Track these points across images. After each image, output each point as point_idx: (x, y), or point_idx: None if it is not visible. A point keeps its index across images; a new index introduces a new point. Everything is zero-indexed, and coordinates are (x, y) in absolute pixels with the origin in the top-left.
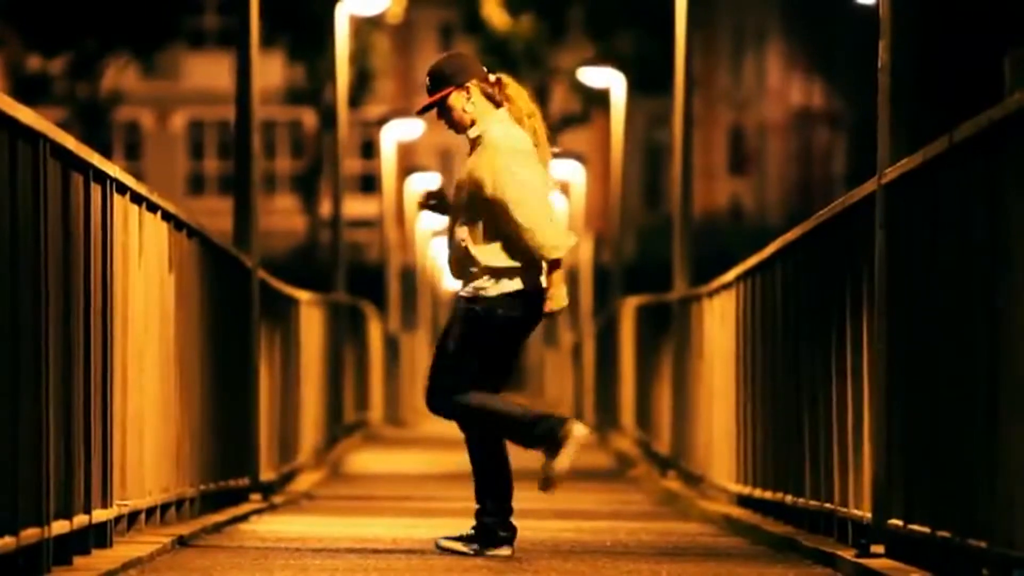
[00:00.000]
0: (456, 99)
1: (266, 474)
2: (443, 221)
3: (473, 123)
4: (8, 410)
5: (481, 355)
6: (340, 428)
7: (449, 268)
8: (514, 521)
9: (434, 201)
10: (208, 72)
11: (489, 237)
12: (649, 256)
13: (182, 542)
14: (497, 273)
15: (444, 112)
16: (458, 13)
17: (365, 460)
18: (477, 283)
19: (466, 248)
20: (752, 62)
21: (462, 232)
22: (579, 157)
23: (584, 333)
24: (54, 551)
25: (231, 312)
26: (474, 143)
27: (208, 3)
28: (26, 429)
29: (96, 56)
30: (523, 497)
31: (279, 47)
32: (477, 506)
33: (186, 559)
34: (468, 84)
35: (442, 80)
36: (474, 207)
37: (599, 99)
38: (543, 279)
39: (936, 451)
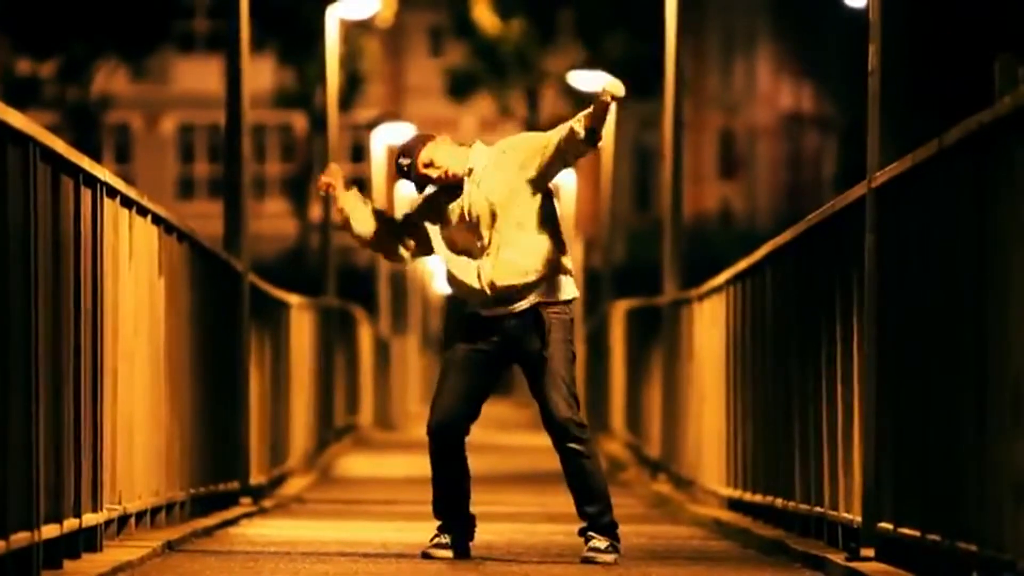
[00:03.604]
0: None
1: (256, 478)
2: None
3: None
4: None
5: None
6: (330, 432)
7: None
8: (507, 524)
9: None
10: (198, 76)
11: (544, 233)
12: (639, 259)
13: (172, 546)
14: (561, 268)
15: (427, 174)
16: (448, 16)
17: (355, 464)
18: (550, 286)
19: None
20: (742, 66)
21: (527, 239)
22: None
23: (574, 337)
24: (44, 555)
25: (221, 316)
26: (470, 172)
27: (198, 7)
28: (16, 433)
29: (86, 60)
30: (517, 501)
31: (269, 51)
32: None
33: (176, 563)
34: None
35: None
36: (530, 207)
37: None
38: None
39: (926, 454)
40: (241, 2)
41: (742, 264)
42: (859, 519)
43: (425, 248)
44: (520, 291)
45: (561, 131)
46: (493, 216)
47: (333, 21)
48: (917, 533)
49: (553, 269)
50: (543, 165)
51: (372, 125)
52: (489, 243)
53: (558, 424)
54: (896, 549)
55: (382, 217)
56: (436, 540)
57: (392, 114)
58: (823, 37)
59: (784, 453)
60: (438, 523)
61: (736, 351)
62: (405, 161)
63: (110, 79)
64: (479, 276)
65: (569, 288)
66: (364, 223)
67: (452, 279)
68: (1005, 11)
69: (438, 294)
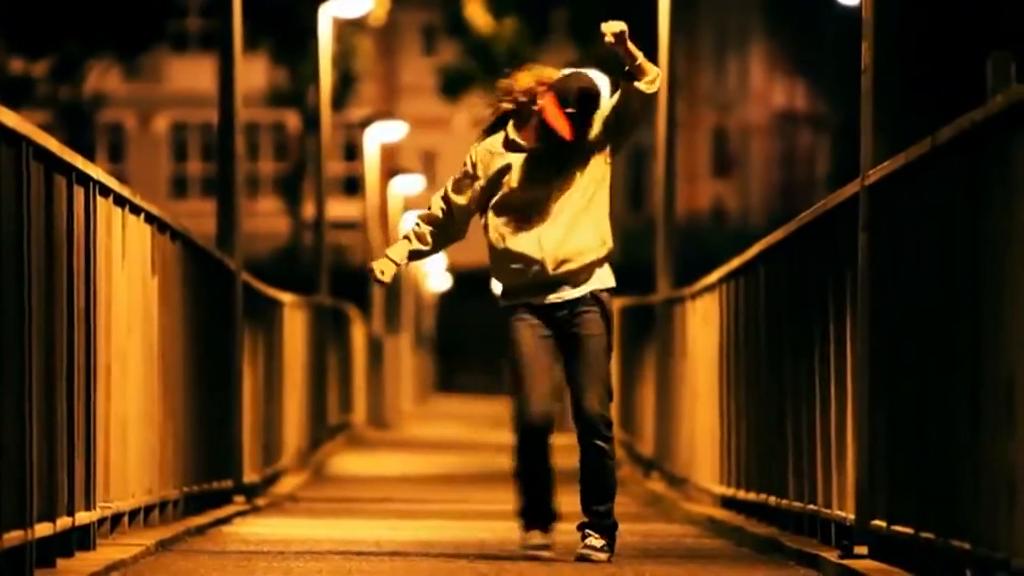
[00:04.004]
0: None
1: (249, 476)
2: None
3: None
4: None
5: None
6: (323, 430)
7: (574, 263)
8: (501, 521)
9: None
10: (191, 74)
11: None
12: (632, 258)
13: (165, 545)
14: (609, 254)
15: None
16: (441, 15)
17: (348, 462)
18: (602, 271)
19: (598, 235)
20: (735, 64)
21: (591, 217)
22: None
23: None
24: (37, 553)
25: (214, 314)
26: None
27: (191, 6)
28: (9, 431)
29: (79, 59)
30: (511, 499)
31: (262, 49)
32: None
33: (169, 561)
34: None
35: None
36: (594, 184)
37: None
38: None
39: (920, 452)
40: (234, 1)
41: (735, 262)
42: (852, 517)
43: (468, 217)
44: (581, 273)
45: (616, 95)
46: (569, 184)
47: (326, 20)
48: (911, 531)
49: (608, 252)
50: (610, 132)
51: (365, 124)
52: (556, 213)
53: (589, 418)
54: (890, 547)
55: (432, 226)
56: (533, 541)
57: (385, 113)
58: (816, 35)
59: (777, 451)
60: (525, 521)
61: (729, 349)
62: (550, 110)
63: (103, 78)
64: (540, 244)
65: (611, 276)
66: (428, 250)
67: (499, 249)
68: (998, 9)
69: (431, 293)
